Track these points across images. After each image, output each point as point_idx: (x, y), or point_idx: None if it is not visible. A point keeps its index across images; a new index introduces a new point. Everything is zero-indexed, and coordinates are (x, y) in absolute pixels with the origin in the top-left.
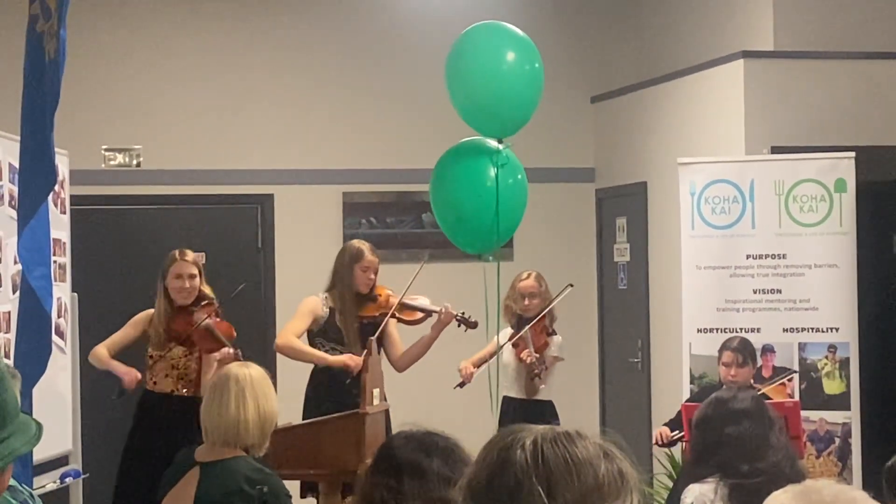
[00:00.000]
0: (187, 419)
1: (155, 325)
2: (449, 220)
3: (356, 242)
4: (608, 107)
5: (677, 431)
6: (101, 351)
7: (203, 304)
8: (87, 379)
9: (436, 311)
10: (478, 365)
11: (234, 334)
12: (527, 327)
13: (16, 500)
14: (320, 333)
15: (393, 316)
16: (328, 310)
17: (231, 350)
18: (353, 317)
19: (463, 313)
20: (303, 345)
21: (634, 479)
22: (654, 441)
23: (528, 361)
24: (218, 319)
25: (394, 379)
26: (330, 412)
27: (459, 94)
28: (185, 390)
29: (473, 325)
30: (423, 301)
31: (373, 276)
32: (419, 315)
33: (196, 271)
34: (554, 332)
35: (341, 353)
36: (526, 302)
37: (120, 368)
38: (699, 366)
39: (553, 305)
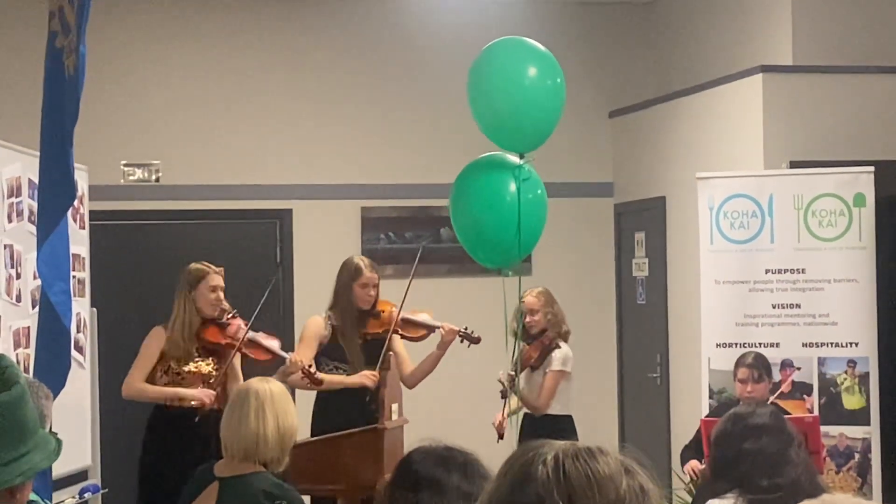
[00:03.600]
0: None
1: (176, 338)
2: (469, 234)
3: (355, 259)
4: (626, 121)
5: (705, 464)
6: (144, 385)
7: (230, 315)
8: (106, 394)
9: (438, 327)
10: (507, 415)
11: (280, 341)
12: (517, 348)
13: None
14: (323, 353)
15: (396, 332)
16: (331, 328)
17: (294, 358)
18: (356, 334)
19: (466, 328)
20: (322, 376)
21: (656, 496)
22: (689, 479)
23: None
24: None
25: (414, 394)
26: (338, 429)
27: (481, 109)
28: (214, 404)
29: (476, 341)
30: (424, 317)
31: (373, 293)
32: (422, 332)
33: (223, 283)
34: (558, 346)
35: (345, 372)
36: (527, 319)
37: (186, 392)
38: (718, 381)
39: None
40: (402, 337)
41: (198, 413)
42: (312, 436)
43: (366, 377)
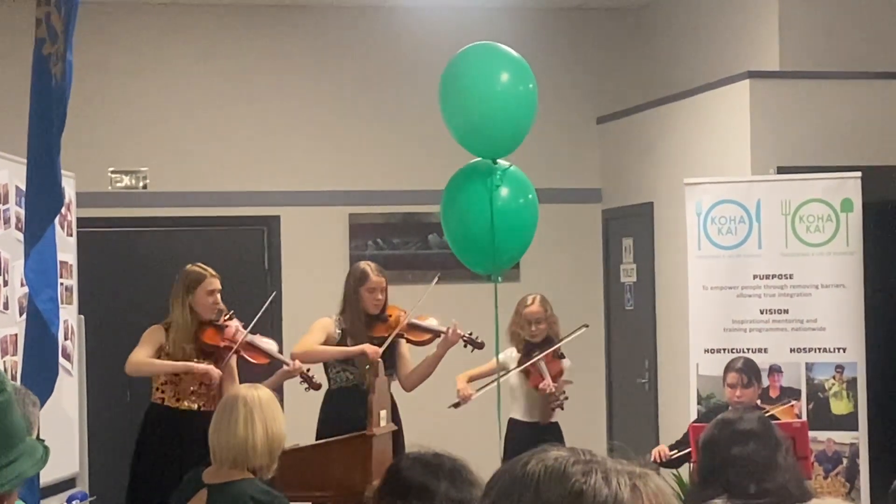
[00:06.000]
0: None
1: (176, 340)
2: (459, 240)
3: (361, 264)
4: (614, 127)
5: (676, 450)
6: (152, 359)
7: (225, 317)
8: (94, 401)
9: (443, 332)
10: (472, 379)
11: (276, 345)
12: (539, 357)
13: None
14: None
15: (401, 336)
16: (340, 332)
17: (293, 363)
18: (363, 339)
19: (470, 333)
20: (320, 348)
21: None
22: (652, 459)
23: (549, 392)
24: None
25: (403, 400)
26: (343, 433)
27: (452, 115)
28: (208, 405)
29: (480, 346)
30: (431, 321)
31: (380, 297)
32: (427, 336)
33: (220, 286)
34: (563, 356)
35: (351, 374)
36: (533, 328)
37: (195, 366)
38: (706, 386)
39: (564, 338)
40: (408, 341)
41: (200, 413)
42: (318, 438)
43: (368, 347)
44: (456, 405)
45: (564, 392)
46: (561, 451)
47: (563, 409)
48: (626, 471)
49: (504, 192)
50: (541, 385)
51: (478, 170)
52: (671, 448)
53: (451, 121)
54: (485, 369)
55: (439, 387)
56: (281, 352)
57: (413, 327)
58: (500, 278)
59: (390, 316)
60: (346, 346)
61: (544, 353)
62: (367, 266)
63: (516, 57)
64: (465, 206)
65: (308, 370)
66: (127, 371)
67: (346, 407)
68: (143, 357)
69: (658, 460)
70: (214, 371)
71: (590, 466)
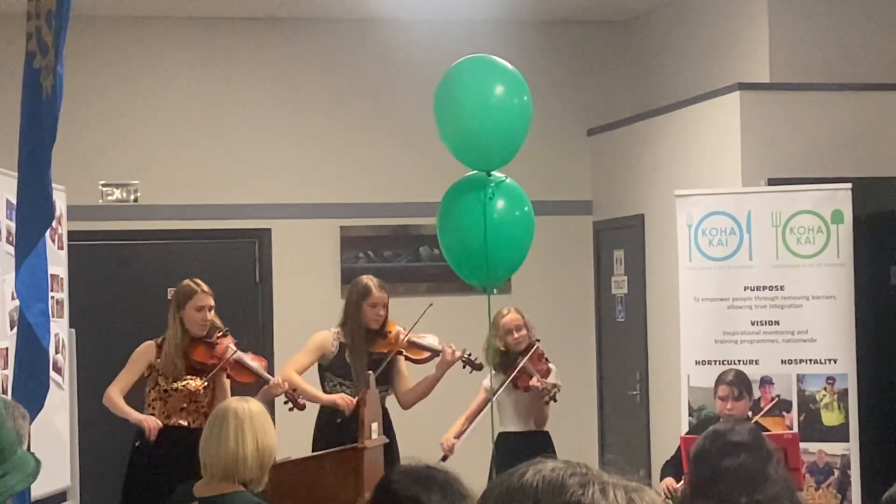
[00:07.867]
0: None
1: (169, 355)
2: (455, 253)
3: (364, 279)
4: (605, 139)
5: (683, 482)
6: (116, 397)
7: (218, 334)
8: (85, 415)
9: (441, 350)
10: (468, 419)
11: (266, 363)
12: (523, 360)
13: None
14: (329, 368)
15: (400, 353)
16: (338, 345)
17: (278, 381)
18: (363, 353)
19: (469, 354)
20: (300, 380)
21: None
22: (663, 496)
23: (541, 387)
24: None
25: (397, 414)
26: (341, 442)
27: (447, 128)
28: (197, 423)
29: (478, 367)
30: (430, 340)
31: (382, 312)
32: (426, 354)
33: (213, 303)
34: (547, 360)
35: (349, 388)
36: (515, 335)
37: (136, 416)
38: (698, 398)
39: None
40: (407, 359)
41: (138, 440)
42: (314, 448)
43: (341, 398)
44: (443, 458)
45: (556, 385)
46: (557, 463)
47: (556, 400)
48: (622, 484)
49: (500, 204)
50: (531, 383)
51: (473, 182)
52: (674, 476)
53: (446, 133)
54: (475, 405)
55: (432, 400)
56: (270, 369)
57: (412, 345)
58: (494, 290)
59: (389, 332)
60: (346, 359)
61: (527, 356)
62: (370, 281)
63: (511, 69)
64: (460, 218)
65: (294, 390)
66: (104, 401)
67: (342, 420)
68: (113, 393)
69: (668, 495)
70: (147, 423)
71: (587, 479)
